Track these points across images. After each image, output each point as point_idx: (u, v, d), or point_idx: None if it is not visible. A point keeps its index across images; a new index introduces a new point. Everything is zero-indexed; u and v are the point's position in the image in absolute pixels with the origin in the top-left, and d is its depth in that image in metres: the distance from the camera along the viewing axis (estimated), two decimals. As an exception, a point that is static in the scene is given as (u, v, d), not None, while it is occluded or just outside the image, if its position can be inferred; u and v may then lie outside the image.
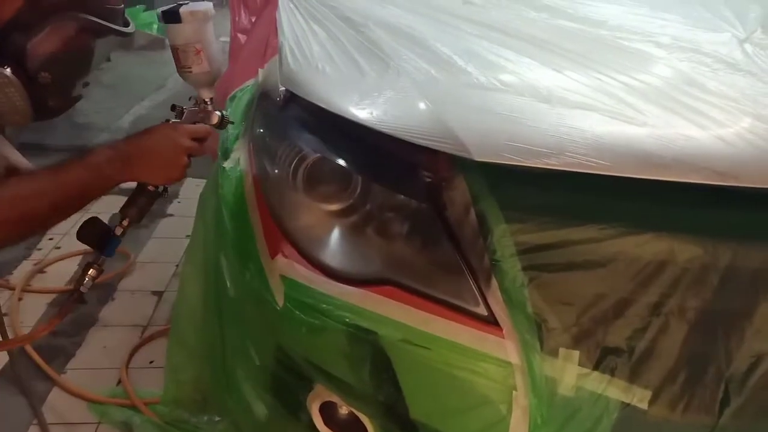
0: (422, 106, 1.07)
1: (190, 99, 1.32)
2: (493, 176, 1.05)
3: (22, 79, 1.04)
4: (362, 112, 1.12)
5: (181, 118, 1.24)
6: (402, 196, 1.13)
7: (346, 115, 1.13)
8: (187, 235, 2.61)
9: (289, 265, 1.21)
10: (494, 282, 1.04)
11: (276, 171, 1.29)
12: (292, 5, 1.49)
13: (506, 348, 1.03)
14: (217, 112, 1.25)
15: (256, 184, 1.33)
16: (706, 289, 0.99)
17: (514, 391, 1.03)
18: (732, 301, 1.00)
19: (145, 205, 1.19)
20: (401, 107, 1.10)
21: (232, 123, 1.33)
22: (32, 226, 1.06)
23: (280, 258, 1.22)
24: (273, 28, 1.56)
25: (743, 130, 0.98)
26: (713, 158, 0.95)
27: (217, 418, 1.74)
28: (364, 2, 1.47)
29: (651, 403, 0.99)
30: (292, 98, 1.30)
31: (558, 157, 0.98)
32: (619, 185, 0.97)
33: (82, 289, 1.15)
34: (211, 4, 1.24)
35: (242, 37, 2.10)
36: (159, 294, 2.41)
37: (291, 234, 1.22)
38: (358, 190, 1.17)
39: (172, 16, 1.20)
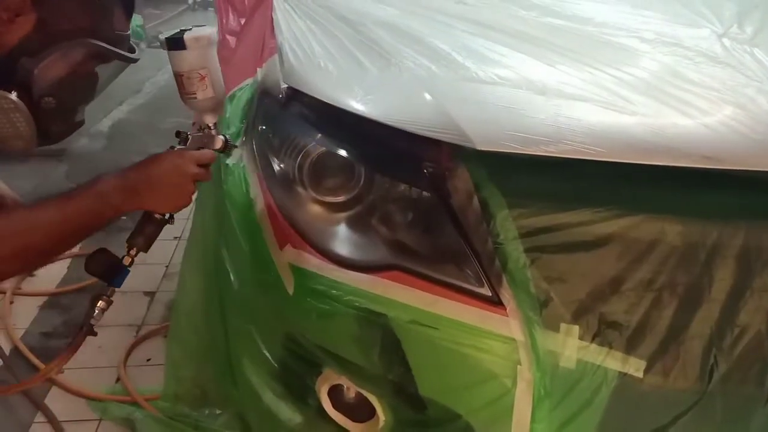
0: (428, 98, 1.12)
1: (193, 124, 1.30)
2: (494, 165, 1.10)
3: (28, 104, 1.02)
4: (368, 107, 1.17)
5: (185, 144, 1.23)
6: (406, 186, 1.19)
7: (352, 110, 1.18)
8: (175, 237, 2.67)
9: (298, 255, 1.25)
10: (497, 264, 1.10)
11: (281, 166, 1.33)
12: (287, 6, 1.52)
13: (510, 325, 1.09)
14: (221, 137, 1.25)
15: (260, 179, 1.37)
16: (694, 266, 1.07)
17: (518, 366, 1.09)
18: (718, 277, 1.07)
19: (153, 233, 1.17)
20: (406, 101, 1.16)
21: (236, 147, 1.32)
22: (35, 259, 1.04)
23: (288, 248, 1.26)
24: (268, 28, 1.60)
25: (726, 117, 1.05)
26: (699, 144, 1.02)
27: (218, 411, 1.77)
28: (359, 2, 1.51)
29: (646, 372, 1.06)
30: (294, 95, 1.34)
31: (555, 145, 1.03)
32: (613, 171, 1.04)
33: (92, 321, 1.14)
34: (214, 29, 1.26)
35: (231, 39, 2.12)
36: (151, 294, 2.43)
37: (299, 226, 1.26)
38: (363, 182, 1.22)
39: (176, 44, 1.19)
